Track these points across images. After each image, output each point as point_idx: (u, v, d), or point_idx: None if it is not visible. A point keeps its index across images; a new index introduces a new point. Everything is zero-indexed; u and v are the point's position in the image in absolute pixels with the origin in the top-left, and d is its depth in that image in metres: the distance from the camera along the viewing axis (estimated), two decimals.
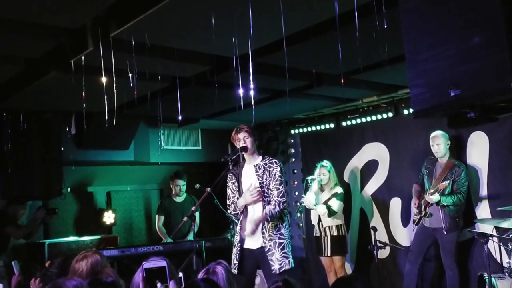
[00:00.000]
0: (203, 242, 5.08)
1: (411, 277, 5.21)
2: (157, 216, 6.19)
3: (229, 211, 4.31)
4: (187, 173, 6.32)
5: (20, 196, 5.56)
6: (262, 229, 4.01)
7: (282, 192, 4.04)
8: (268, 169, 4.06)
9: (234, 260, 4.09)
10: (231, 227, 5.81)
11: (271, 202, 4.01)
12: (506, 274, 4.23)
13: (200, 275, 2.49)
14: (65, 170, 5.96)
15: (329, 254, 5.53)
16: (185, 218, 4.11)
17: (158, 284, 1.41)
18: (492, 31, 2.18)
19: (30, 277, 3.34)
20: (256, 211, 4.07)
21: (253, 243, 4.07)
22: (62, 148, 5.73)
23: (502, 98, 2.28)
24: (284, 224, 4.07)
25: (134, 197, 7.63)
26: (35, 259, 5.53)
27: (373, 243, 4.60)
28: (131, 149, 6.52)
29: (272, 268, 3.91)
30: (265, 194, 4.02)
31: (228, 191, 4.28)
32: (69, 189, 6.55)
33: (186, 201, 6.12)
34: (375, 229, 4.73)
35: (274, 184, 4.03)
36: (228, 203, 4.30)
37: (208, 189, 4.06)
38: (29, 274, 3.47)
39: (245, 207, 4.12)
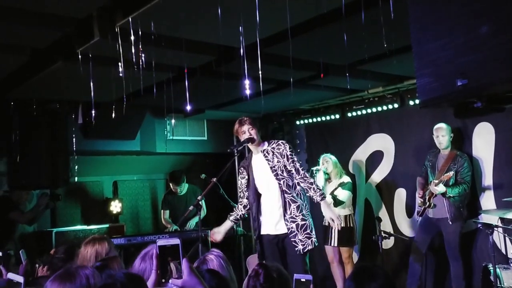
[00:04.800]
0: (208, 231, 5.11)
1: (415, 267, 5.23)
2: (162, 211, 6.27)
3: (239, 206, 4.32)
4: (193, 164, 6.34)
5: (27, 185, 5.60)
6: (284, 214, 3.96)
7: (302, 169, 4.05)
8: (277, 151, 4.05)
9: (257, 247, 4.14)
10: None
11: (301, 185, 4.01)
12: (511, 265, 4.23)
13: (194, 265, 2.48)
14: (72, 159, 5.99)
15: (335, 244, 5.53)
16: (190, 207, 4.14)
17: (171, 263, 1.42)
18: (500, 20, 2.16)
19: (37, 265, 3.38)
20: (270, 197, 4.04)
21: (272, 228, 4.05)
22: (69, 138, 5.76)
23: (509, 88, 2.27)
24: (304, 204, 4.05)
25: (141, 187, 7.68)
26: (42, 248, 5.58)
27: (378, 234, 4.61)
28: (137, 139, 6.54)
29: (296, 249, 3.92)
30: (280, 176, 3.99)
31: (239, 187, 4.29)
32: (76, 179, 6.60)
33: (189, 192, 6.16)
34: (380, 220, 4.75)
35: (290, 164, 4.03)
36: (239, 197, 4.30)
37: (214, 179, 4.08)
38: (37, 262, 3.50)
39: (256, 193, 4.10)
